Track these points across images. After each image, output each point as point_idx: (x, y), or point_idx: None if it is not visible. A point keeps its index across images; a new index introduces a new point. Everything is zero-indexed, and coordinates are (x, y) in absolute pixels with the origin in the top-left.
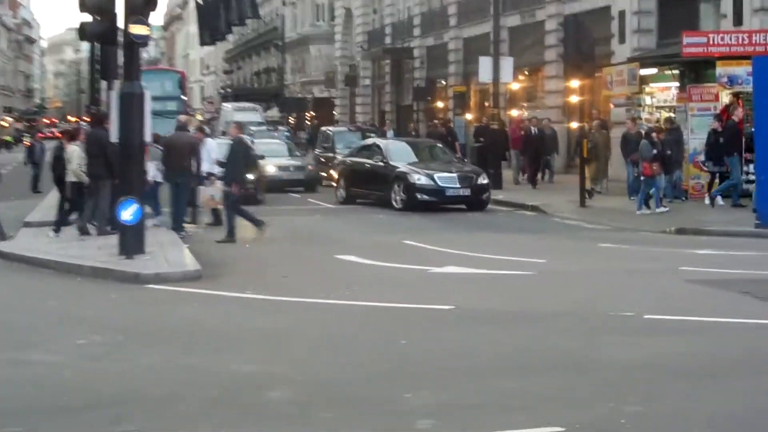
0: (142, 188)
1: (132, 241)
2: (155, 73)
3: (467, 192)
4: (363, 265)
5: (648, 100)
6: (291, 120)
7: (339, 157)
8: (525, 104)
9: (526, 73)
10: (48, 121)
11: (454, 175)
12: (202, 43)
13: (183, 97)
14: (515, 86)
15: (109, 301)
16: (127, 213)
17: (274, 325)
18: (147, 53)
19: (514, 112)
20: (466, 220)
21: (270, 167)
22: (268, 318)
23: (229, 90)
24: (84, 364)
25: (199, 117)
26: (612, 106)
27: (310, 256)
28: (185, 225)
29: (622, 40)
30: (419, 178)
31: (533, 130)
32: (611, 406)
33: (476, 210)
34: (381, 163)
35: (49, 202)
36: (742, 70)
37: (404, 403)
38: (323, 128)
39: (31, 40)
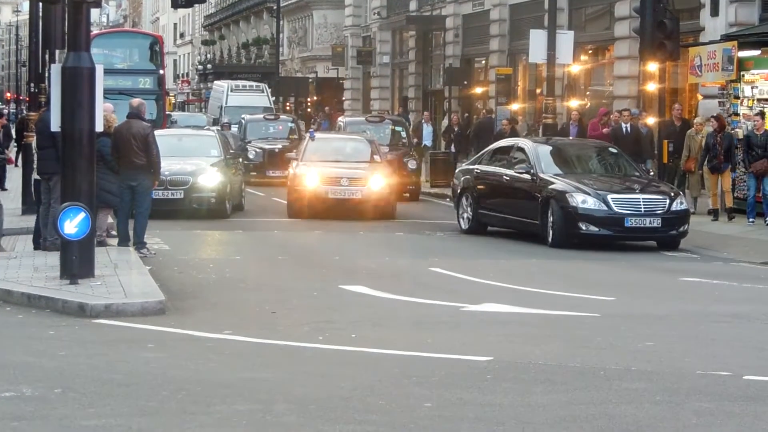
0: (91, 192)
1: (78, 260)
2: (123, 37)
3: (657, 222)
4: (375, 299)
5: (747, 90)
6: (288, 106)
7: (464, 164)
8: (587, 92)
9: (590, 52)
10: None
11: (638, 196)
12: (175, 4)
13: (161, 71)
14: (576, 68)
15: (45, 340)
16: (72, 224)
17: (259, 378)
18: (105, 16)
19: (574, 103)
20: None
21: None
22: (250, 368)
23: (209, 66)
24: (6, 426)
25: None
26: (700, 97)
27: (308, 286)
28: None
29: (714, 12)
30: (584, 200)
31: (625, 127)
32: None
33: (668, 249)
34: (526, 176)
35: None
36: None
37: None
38: (339, 119)
39: None
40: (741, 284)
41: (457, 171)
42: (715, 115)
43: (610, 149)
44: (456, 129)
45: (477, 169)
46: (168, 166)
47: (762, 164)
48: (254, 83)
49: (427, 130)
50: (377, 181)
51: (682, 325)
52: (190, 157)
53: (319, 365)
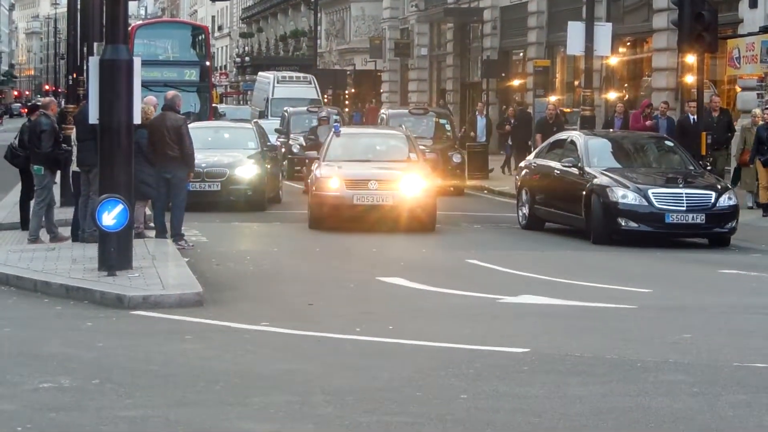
0: (129, 183)
1: (115, 252)
2: (167, 28)
3: (700, 218)
4: (412, 291)
5: None
6: (326, 99)
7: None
8: (626, 85)
9: (629, 44)
10: (17, 94)
11: (681, 191)
12: None
13: (206, 62)
14: (614, 61)
15: (83, 331)
16: (110, 216)
17: (296, 370)
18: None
19: (612, 95)
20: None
21: None
22: (288, 360)
23: (247, 59)
24: (45, 417)
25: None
26: (738, 89)
27: (345, 278)
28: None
29: (753, 4)
30: (623, 195)
31: (692, 118)
32: None
33: (715, 247)
34: (574, 169)
35: (13, 198)
36: None
37: None
38: (381, 111)
39: None
40: None
41: (520, 165)
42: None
43: (667, 142)
44: (513, 121)
45: (534, 162)
46: (205, 158)
47: None
48: (301, 74)
49: (481, 122)
50: (413, 184)
51: (720, 317)
52: (228, 150)
53: (356, 357)
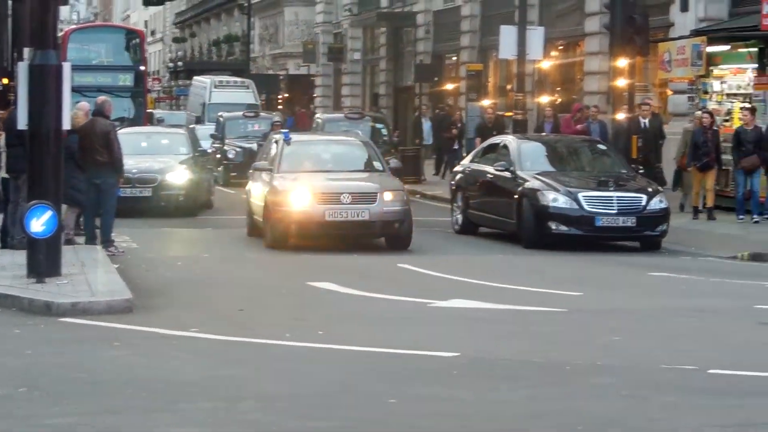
0: (58, 190)
1: (44, 259)
2: (101, 32)
3: (631, 222)
4: (343, 296)
5: (717, 85)
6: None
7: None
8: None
9: (561, 48)
10: None
11: (612, 194)
12: (147, 2)
13: (141, 67)
14: (546, 64)
15: (11, 338)
16: (39, 222)
17: (226, 376)
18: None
19: (545, 98)
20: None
21: None
22: (217, 366)
23: (180, 64)
24: None
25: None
26: (669, 92)
27: (276, 283)
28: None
29: (684, 7)
30: (554, 199)
31: (644, 122)
32: None
33: (646, 250)
34: (507, 173)
35: None
36: None
37: None
38: (317, 116)
39: None
40: (708, 279)
41: (454, 169)
42: (708, 111)
43: (599, 146)
44: (459, 125)
45: (468, 167)
46: (136, 164)
47: (752, 160)
48: (238, 79)
49: (427, 125)
50: (388, 197)
51: (649, 319)
52: (159, 155)
53: (286, 362)
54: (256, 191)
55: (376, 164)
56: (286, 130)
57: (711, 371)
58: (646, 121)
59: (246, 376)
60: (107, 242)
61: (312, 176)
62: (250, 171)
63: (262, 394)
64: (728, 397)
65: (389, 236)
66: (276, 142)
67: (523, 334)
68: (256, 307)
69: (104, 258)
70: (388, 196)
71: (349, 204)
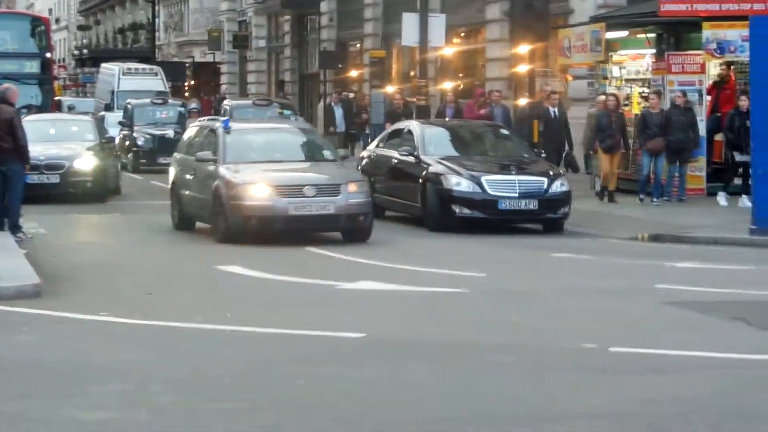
0: None
1: None
2: (6, 19)
3: (533, 204)
4: (251, 279)
5: (616, 71)
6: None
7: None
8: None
9: (463, 35)
10: None
11: (514, 178)
12: None
13: (47, 54)
14: (448, 51)
15: None
16: None
17: (134, 358)
18: None
19: (447, 85)
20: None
21: None
22: (126, 349)
23: (85, 51)
24: None
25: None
26: (570, 78)
27: (183, 267)
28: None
29: None
30: (458, 183)
31: (553, 111)
32: None
33: (549, 232)
34: (411, 158)
35: None
36: (736, 33)
37: None
38: (225, 102)
39: None
40: (609, 259)
41: (361, 155)
42: (612, 94)
43: (502, 130)
44: (364, 114)
45: (374, 152)
46: (44, 150)
47: (658, 143)
48: (147, 66)
49: (339, 112)
50: (352, 189)
51: (551, 299)
52: (66, 142)
53: (195, 345)
54: (192, 182)
55: (326, 153)
56: (227, 118)
57: (612, 349)
58: (555, 109)
59: (155, 359)
60: (15, 228)
61: (264, 167)
62: (174, 158)
63: (172, 377)
64: (629, 375)
65: (351, 229)
66: (213, 130)
67: (427, 315)
68: (165, 291)
69: (12, 243)
70: (352, 187)
71: (313, 197)
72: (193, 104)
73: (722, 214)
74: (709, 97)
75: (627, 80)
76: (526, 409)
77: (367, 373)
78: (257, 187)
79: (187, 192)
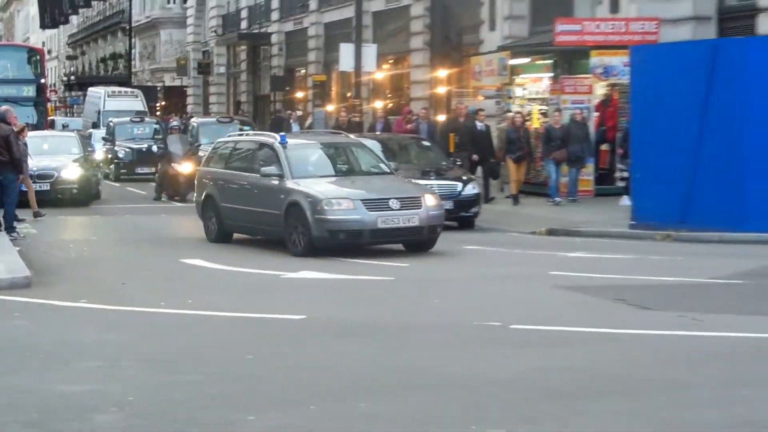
0: None
1: None
2: (6, 50)
3: (449, 205)
4: (211, 270)
5: (519, 91)
6: None
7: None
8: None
9: (391, 61)
10: None
11: (433, 182)
12: (43, 25)
13: (41, 80)
14: (379, 75)
15: None
16: None
17: (109, 339)
18: None
19: (378, 104)
20: None
21: None
22: (102, 331)
23: (72, 77)
24: None
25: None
26: (481, 98)
27: (153, 261)
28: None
29: (492, 27)
30: (337, 204)
31: (480, 126)
32: (473, 430)
33: (463, 228)
34: (274, 182)
35: None
36: (618, 60)
37: (248, 426)
38: (192, 120)
39: None
40: (512, 250)
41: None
42: (518, 112)
43: (424, 142)
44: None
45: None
46: (36, 162)
47: (561, 153)
48: (128, 89)
49: (296, 128)
50: (430, 201)
51: (464, 285)
52: (55, 155)
53: (161, 327)
54: (246, 196)
55: (383, 166)
56: (283, 133)
57: (512, 326)
58: (483, 125)
59: (127, 340)
60: (10, 229)
61: (334, 181)
62: (205, 172)
63: (141, 355)
64: (527, 348)
65: (429, 240)
66: (266, 145)
67: (360, 299)
68: (136, 281)
69: (7, 242)
70: (430, 199)
71: (398, 210)
72: (174, 122)
73: (607, 212)
74: (596, 114)
75: (528, 99)
76: (440, 376)
77: (309, 350)
78: (344, 201)
79: (234, 206)
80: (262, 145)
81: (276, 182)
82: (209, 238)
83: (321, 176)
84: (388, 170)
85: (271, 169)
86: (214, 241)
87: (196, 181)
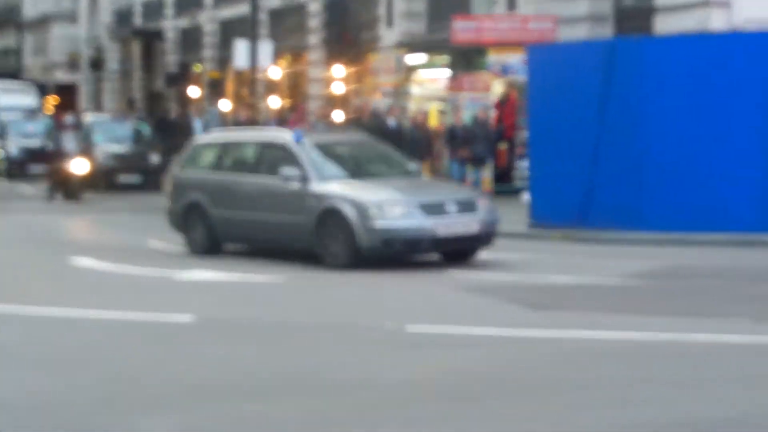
0: None
1: None
2: None
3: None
4: (99, 271)
5: (417, 89)
6: None
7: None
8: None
9: (288, 58)
10: None
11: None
12: None
13: None
14: (277, 73)
15: None
16: None
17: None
18: None
19: (276, 102)
20: None
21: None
22: None
23: None
24: None
25: None
26: (379, 95)
27: (43, 260)
28: None
29: (389, 24)
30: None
31: (391, 122)
32: None
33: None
34: (294, 186)
35: None
36: (517, 58)
37: (136, 428)
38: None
39: None
40: None
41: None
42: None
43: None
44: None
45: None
46: None
47: (466, 152)
48: (21, 84)
49: (198, 123)
50: (485, 204)
51: (357, 286)
52: None
53: (50, 328)
54: (252, 201)
55: (409, 166)
56: (298, 130)
57: (408, 327)
58: (396, 122)
59: (14, 341)
60: None
61: (378, 183)
62: (182, 178)
63: (30, 357)
64: (422, 349)
65: (479, 247)
66: (274, 144)
67: (248, 300)
68: (24, 282)
69: None
70: (484, 203)
71: (456, 214)
72: (70, 118)
73: (506, 212)
74: (494, 112)
75: (426, 97)
76: (329, 378)
77: (194, 350)
78: (397, 206)
79: (232, 214)
80: (269, 144)
81: (297, 186)
82: (193, 250)
83: (351, 178)
84: (415, 171)
85: (291, 170)
86: (202, 253)
87: (169, 188)
